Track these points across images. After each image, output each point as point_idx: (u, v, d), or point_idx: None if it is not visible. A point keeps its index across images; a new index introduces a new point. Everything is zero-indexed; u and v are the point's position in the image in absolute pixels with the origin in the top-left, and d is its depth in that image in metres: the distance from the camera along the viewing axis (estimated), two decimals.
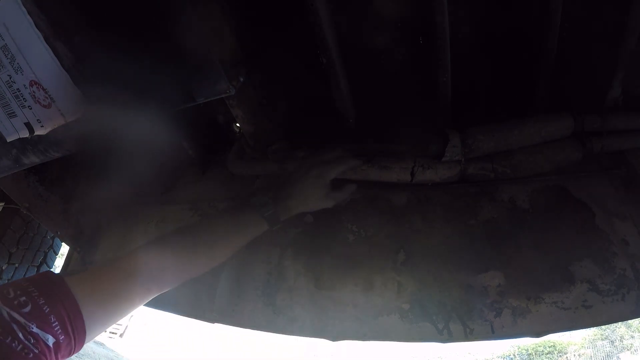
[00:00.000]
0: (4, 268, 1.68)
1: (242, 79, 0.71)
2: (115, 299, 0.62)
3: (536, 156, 0.84)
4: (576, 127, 0.83)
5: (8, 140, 0.62)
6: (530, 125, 0.82)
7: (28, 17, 0.53)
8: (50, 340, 0.51)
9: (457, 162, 0.85)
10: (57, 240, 1.88)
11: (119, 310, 0.63)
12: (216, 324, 0.91)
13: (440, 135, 0.85)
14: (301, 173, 0.82)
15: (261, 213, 0.78)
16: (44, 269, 1.86)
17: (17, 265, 1.73)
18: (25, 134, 0.61)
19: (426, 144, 0.86)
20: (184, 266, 0.72)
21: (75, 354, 0.58)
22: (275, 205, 0.79)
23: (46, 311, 0.51)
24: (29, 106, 0.59)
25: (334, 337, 0.82)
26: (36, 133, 0.61)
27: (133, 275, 0.64)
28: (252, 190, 0.80)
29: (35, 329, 0.49)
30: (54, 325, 0.51)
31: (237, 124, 1.02)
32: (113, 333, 7.57)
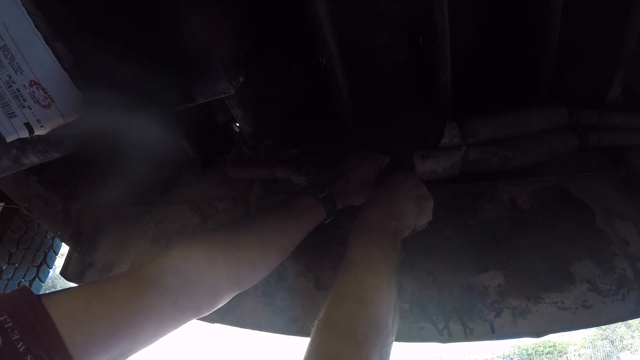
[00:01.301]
0: (4, 268, 1.68)
1: (242, 79, 0.71)
2: (122, 328, 0.44)
3: (535, 140, 0.84)
4: (572, 119, 0.83)
5: (8, 141, 0.62)
6: (526, 112, 0.83)
7: (28, 17, 0.53)
8: None
9: (458, 148, 0.84)
10: (57, 240, 1.88)
11: (132, 342, 0.45)
12: (216, 324, 0.91)
13: (436, 122, 0.84)
14: (356, 161, 0.80)
15: (316, 194, 0.69)
16: (43, 269, 1.86)
17: (17, 265, 1.73)
18: (24, 134, 0.61)
19: (424, 136, 0.86)
20: (238, 271, 0.54)
21: None
22: (332, 188, 0.73)
23: (21, 350, 0.37)
24: (28, 106, 0.59)
25: None
26: (36, 133, 0.61)
27: (156, 288, 0.46)
28: (307, 180, 0.74)
29: None
30: None
31: (237, 124, 1.02)
32: None
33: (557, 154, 0.84)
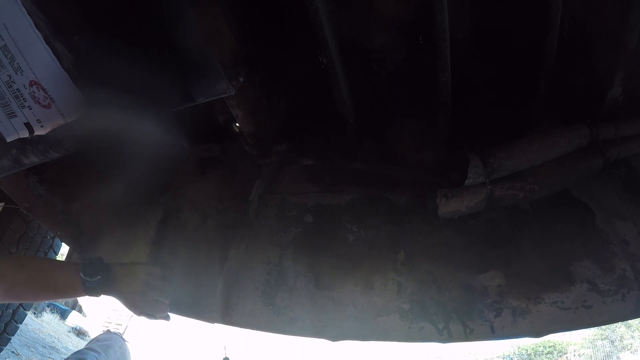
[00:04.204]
0: None
1: (242, 79, 0.71)
2: None
3: (561, 168, 0.81)
4: (592, 136, 0.81)
5: (8, 141, 0.62)
6: (548, 137, 0.80)
7: (28, 17, 0.53)
8: None
9: (482, 186, 0.80)
10: (57, 240, 1.88)
11: None
12: (216, 324, 0.91)
13: (458, 159, 0.81)
14: (139, 274, 0.83)
15: (85, 285, 0.78)
16: None
17: None
18: (25, 134, 0.61)
19: (446, 171, 0.82)
20: (11, 289, 0.78)
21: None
22: (103, 280, 0.79)
23: None
24: (28, 106, 0.59)
25: (334, 337, 0.82)
26: (36, 133, 0.61)
27: None
28: (90, 258, 0.82)
29: None
30: None
31: (237, 124, 1.02)
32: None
33: (582, 178, 0.83)
